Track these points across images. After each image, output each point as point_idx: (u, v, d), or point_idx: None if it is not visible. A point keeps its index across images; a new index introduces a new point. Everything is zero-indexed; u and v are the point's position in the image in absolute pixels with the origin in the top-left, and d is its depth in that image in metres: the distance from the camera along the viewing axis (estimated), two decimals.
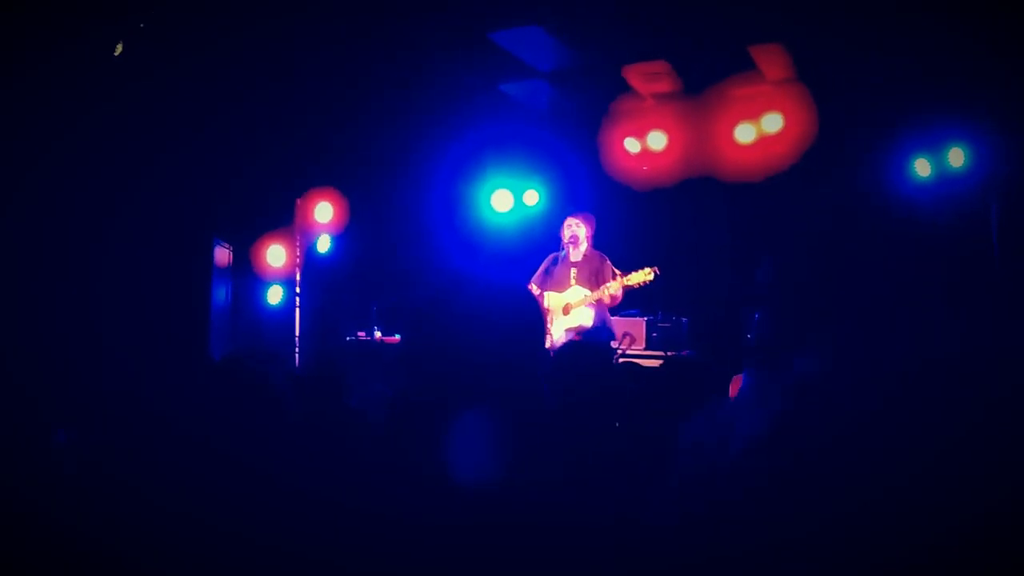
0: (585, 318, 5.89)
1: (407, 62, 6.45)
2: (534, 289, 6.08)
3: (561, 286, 6.03)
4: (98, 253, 5.80)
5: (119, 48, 5.74)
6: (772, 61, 6.53)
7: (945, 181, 6.40)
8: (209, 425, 1.85)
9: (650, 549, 1.25)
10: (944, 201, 6.32)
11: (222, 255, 7.10)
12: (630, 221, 7.12)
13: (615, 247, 6.20)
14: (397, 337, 6.95)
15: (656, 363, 6.09)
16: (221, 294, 6.98)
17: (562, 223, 6.14)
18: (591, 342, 5.59)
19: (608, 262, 5.94)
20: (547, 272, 6.13)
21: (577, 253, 6.06)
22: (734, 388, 6.48)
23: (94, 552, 1.58)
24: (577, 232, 6.03)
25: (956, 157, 6.35)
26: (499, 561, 1.20)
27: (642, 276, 5.76)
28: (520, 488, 1.25)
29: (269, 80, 6.35)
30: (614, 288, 5.76)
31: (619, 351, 6.16)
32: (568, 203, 6.86)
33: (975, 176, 6.26)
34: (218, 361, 2.63)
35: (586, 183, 7.53)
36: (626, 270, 5.84)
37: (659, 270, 5.75)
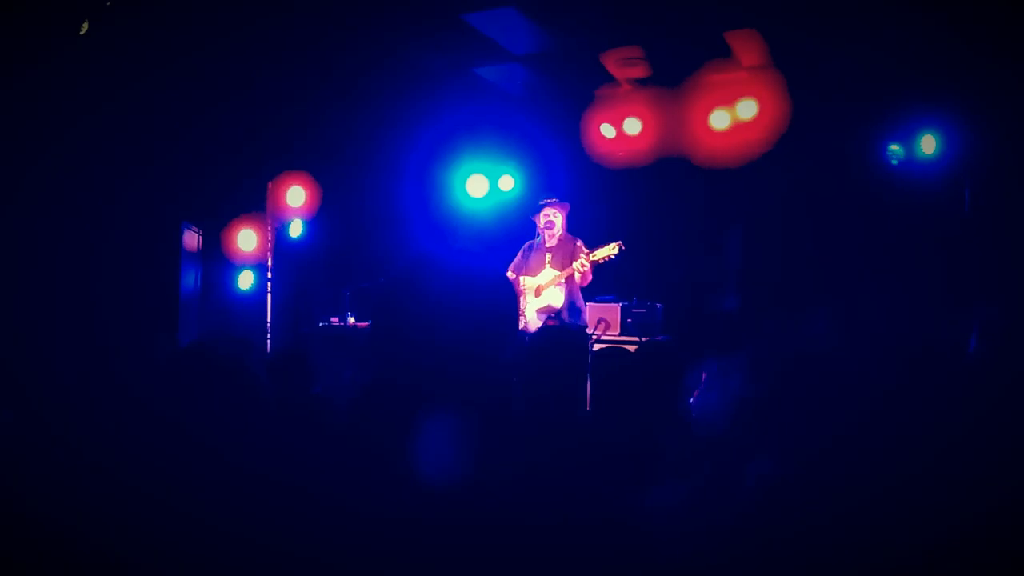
0: (555, 298, 6.00)
1: (380, 44, 6.36)
2: (511, 275, 6.14)
3: (536, 271, 6.16)
4: (63, 237, 5.68)
5: (84, 27, 5.61)
6: (747, 47, 6.54)
7: (918, 167, 6.46)
8: (175, 412, 1.82)
9: (631, 545, 1.23)
10: (917, 187, 6.38)
11: (191, 239, 6.98)
12: (606, 207, 7.13)
13: (592, 234, 6.23)
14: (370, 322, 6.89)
15: (632, 348, 6.13)
16: (190, 279, 6.88)
17: (538, 210, 6.21)
18: (565, 327, 5.60)
19: (579, 243, 6.06)
20: (524, 259, 6.24)
21: (552, 239, 6.16)
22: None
23: (56, 537, 1.55)
24: (553, 219, 6.13)
25: (928, 144, 6.41)
26: (472, 559, 1.18)
27: (607, 251, 5.89)
28: (492, 479, 1.22)
29: (240, 62, 6.24)
30: (578, 264, 5.85)
31: (594, 336, 6.17)
32: (544, 189, 6.84)
33: (948, 162, 6.33)
34: (185, 347, 2.58)
35: (562, 169, 7.50)
36: None
37: (624, 244, 5.87)
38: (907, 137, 6.51)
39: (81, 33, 5.60)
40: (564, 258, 6.04)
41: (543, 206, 6.18)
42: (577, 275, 5.91)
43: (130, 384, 2.03)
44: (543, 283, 6.06)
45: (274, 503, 1.30)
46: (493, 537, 1.17)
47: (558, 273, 5.99)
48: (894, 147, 6.54)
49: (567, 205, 6.22)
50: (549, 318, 5.93)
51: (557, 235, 6.14)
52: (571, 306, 5.99)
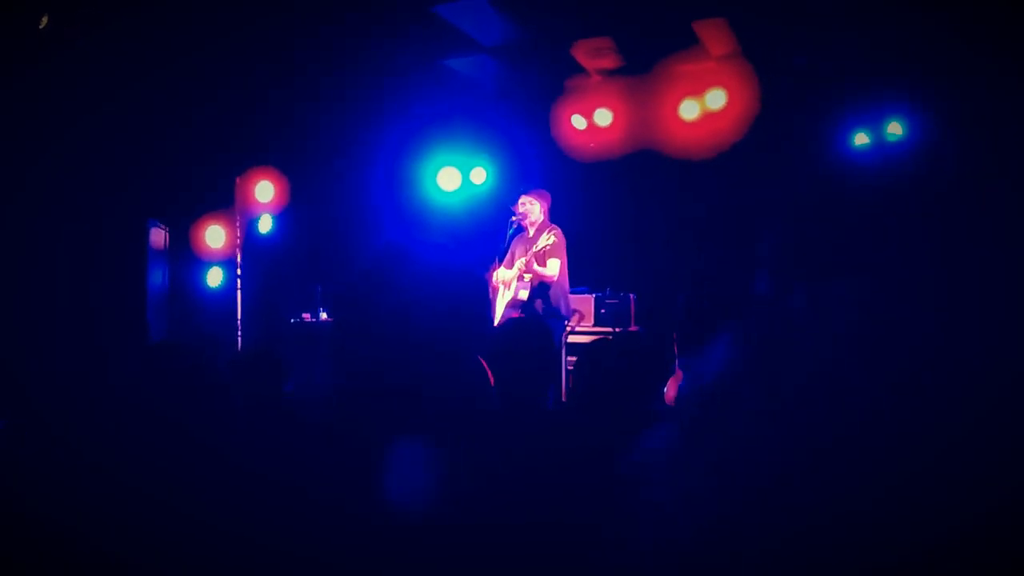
0: (520, 292, 5.85)
1: (350, 36, 6.29)
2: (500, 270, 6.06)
3: (513, 263, 5.99)
4: (27, 236, 5.57)
5: (44, 21, 5.49)
6: (716, 37, 6.56)
7: (885, 153, 6.52)
8: (145, 412, 1.79)
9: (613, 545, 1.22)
10: (885, 174, 6.44)
11: (158, 236, 6.87)
12: (579, 199, 7.10)
13: (564, 225, 6.18)
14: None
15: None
16: (158, 277, 6.76)
17: (515, 201, 6.07)
18: (529, 318, 5.56)
19: (552, 230, 5.85)
20: (511, 252, 6.08)
21: (532, 228, 6.01)
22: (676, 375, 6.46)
23: (30, 540, 1.52)
24: (529, 209, 5.97)
25: (895, 130, 6.47)
26: (446, 560, 1.16)
27: (544, 240, 5.74)
28: (464, 478, 1.20)
29: (206, 55, 6.14)
30: (520, 264, 5.74)
31: (568, 327, 6.15)
32: (516, 181, 6.81)
33: (915, 148, 6.39)
34: (154, 346, 2.54)
35: (535, 161, 7.48)
36: (574, 247, 5.85)
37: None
38: (877, 124, 6.57)
39: (40, 27, 5.48)
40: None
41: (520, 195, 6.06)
42: (532, 272, 5.70)
43: (100, 385, 1.99)
44: (510, 277, 5.93)
45: (243, 502, 1.28)
46: (466, 538, 1.16)
47: (520, 267, 5.82)
48: (863, 134, 6.60)
49: (546, 194, 6.05)
50: (518, 310, 5.85)
51: (537, 225, 5.98)
52: (543, 297, 5.83)
